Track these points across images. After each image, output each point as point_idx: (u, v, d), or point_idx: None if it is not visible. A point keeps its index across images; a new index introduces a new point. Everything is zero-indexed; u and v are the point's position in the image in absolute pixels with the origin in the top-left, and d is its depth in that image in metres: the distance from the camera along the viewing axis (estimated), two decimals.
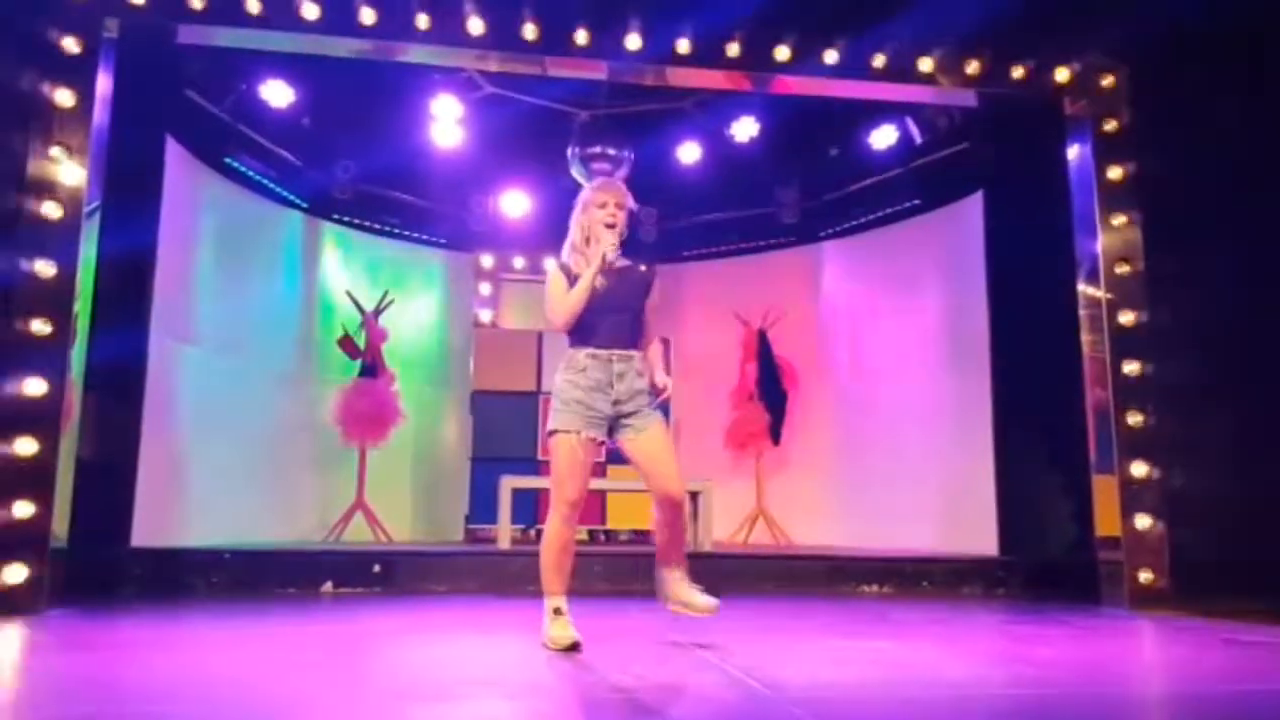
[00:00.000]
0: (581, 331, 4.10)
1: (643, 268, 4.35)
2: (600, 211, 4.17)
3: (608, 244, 4.10)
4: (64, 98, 5.32)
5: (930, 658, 4.03)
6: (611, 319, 4.09)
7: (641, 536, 9.35)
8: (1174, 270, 6.12)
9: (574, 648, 3.87)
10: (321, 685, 3.27)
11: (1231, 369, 5.88)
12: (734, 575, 6.53)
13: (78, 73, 5.39)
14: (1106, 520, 6.12)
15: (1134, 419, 6.07)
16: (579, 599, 5.38)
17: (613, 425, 4.05)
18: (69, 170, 5.28)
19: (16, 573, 4.89)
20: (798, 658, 3.91)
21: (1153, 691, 3.54)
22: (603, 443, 4.06)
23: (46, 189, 5.23)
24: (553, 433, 4.03)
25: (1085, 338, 6.39)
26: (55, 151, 5.25)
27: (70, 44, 5.39)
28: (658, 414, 4.10)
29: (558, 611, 4.01)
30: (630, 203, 4.25)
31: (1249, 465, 5.74)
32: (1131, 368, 6.12)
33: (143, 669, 3.55)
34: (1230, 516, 5.72)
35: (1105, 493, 6.15)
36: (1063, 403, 6.55)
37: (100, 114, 5.46)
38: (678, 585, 4.10)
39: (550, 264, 4.34)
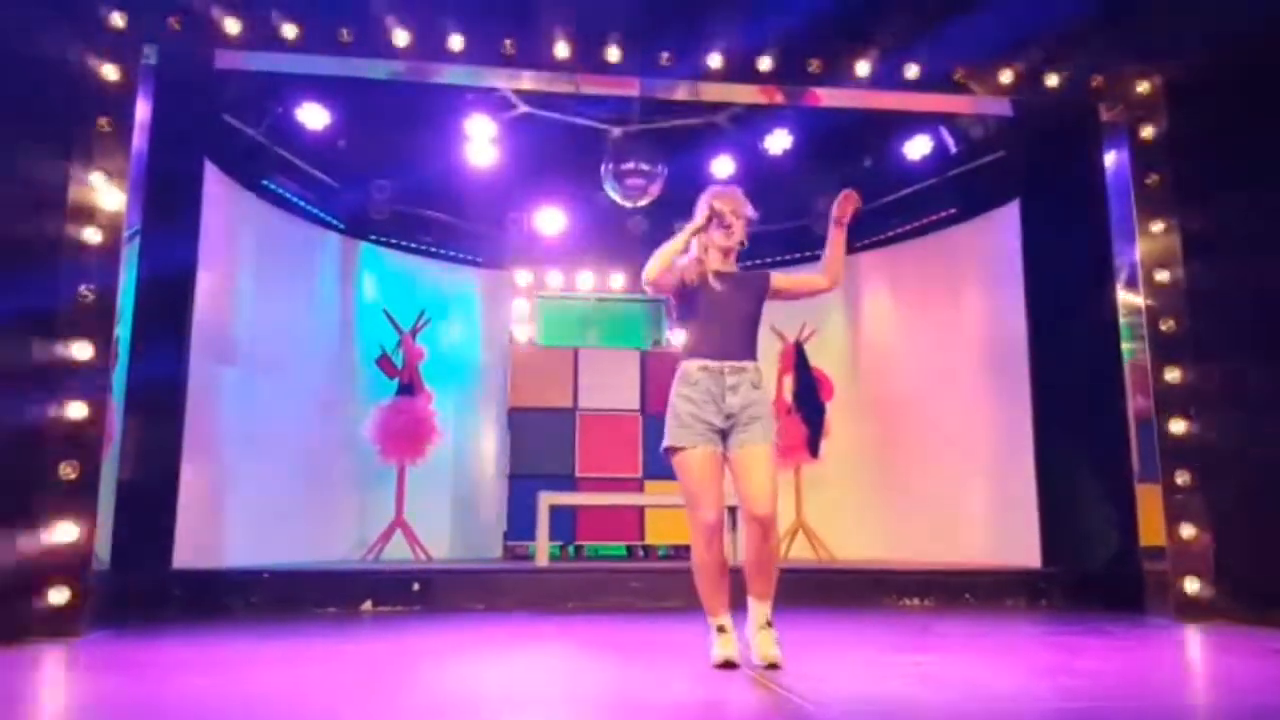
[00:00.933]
0: (693, 341, 4.06)
1: (760, 273, 4.24)
2: (724, 219, 4.06)
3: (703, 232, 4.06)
4: (104, 124, 5.40)
5: (974, 671, 3.98)
6: (724, 329, 4.02)
7: (680, 552, 9.30)
8: (1214, 276, 6.04)
9: (729, 665, 3.78)
10: (363, 705, 3.27)
11: (1275, 375, 5.78)
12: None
13: (117, 99, 5.48)
14: (1150, 530, 6.03)
15: (1177, 426, 5.98)
16: (616, 615, 5.35)
17: (725, 436, 3.92)
18: (109, 195, 5.35)
19: (59, 595, 4.94)
20: (841, 672, 3.87)
21: (1202, 703, 3.47)
22: (720, 453, 3.91)
23: (87, 214, 5.31)
24: (669, 450, 3.94)
25: (1126, 345, 6.30)
26: (95, 177, 5.33)
27: (110, 71, 5.48)
28: (768, 436, 3.92)
29: (720, 630, 3.91)
30: (749, 211, 4.13)
31: None
32: (1173, 375, 6.03)
33: (185, 691, 3.57)
34: (1275, 523, 5.61)
35: (1149, 502, 6.06)
36: (1104, 411, 6.46)
37: (139, 139, 5.54)
38: (756, 629, 3.86)
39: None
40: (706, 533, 3.87)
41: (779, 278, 4.24)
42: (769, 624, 3.85)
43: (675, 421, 3.93)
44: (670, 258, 4.00)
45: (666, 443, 3.95)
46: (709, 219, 4.06)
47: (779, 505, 3.93)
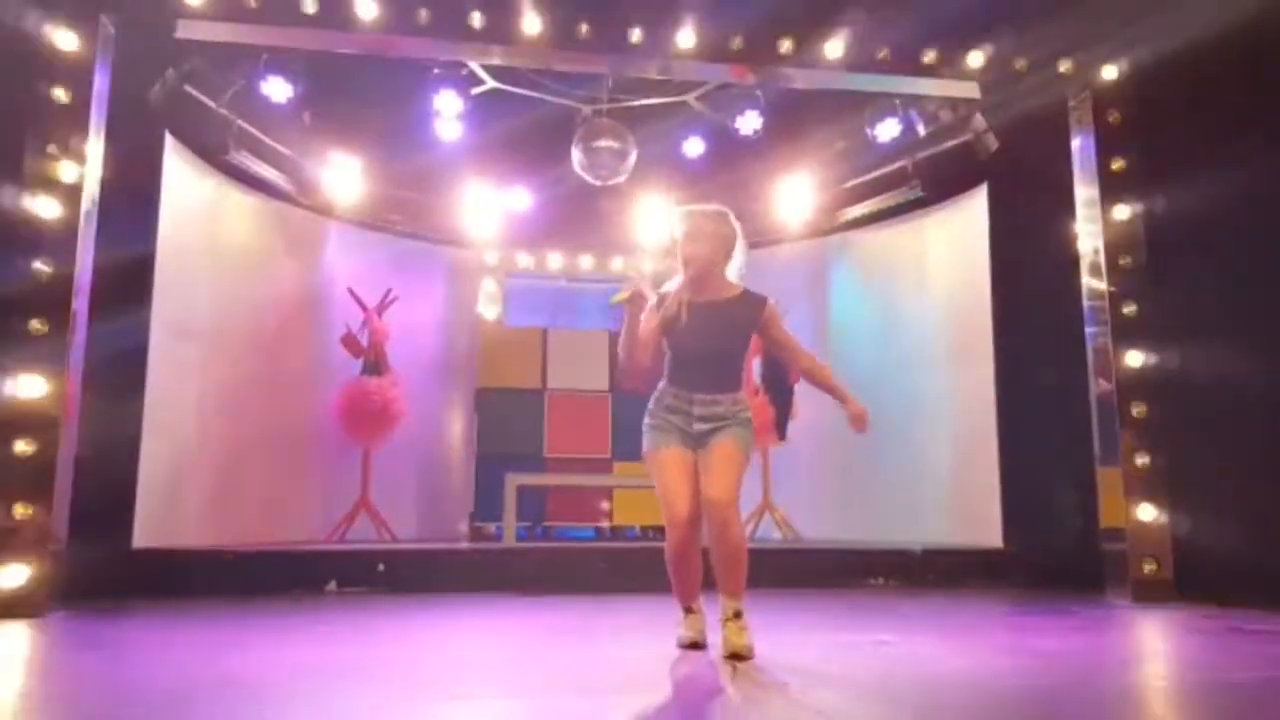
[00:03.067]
0: (670, 371, 3.93)
1: (750, 300, 3.95)
2: (682, 242, 3.89)
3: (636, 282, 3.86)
4: (61, 95, 5.30)
5: (936, 650, 4.01)
6: (693, 365, 3.87)
7: (648, 533, 9.31)
8: (1176, 261, 6.09)
9: (694, 646, 3.82)
10: (324, 684, 3.25)
11: (1234, 359, 5.83)
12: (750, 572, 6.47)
13: (75, 70, 5.38)
14: (1111, 512, 6.10)
15: (1137, 410, 6.05)
16: (583, 596, 5.37)
17: (696, 444, 3.83)
18: (67, 168, 5.26)
19: (17, 574, 4.88)
20: (803, 651, 3.89)
21: (1159, 681, 3.51)
22: (693, 453, 3.82)
23: (45, 187, 5.21)
24: (646, 454, 3.91)
25: (1089, 329, 6.35)
26: (53, 149, 5.24)
27: (67, 41, 5.37)
28: (737, 437, 3.80)
29: (688, 611, 3.96)
30: (728, 225, 3.95)
31: (1253, 456, 5.68)
32: (1134, 358, 6.09)
33: (147, 670, 3.54)
34: (1233, 506, 5.68)
35: (1110, 484, 6.12)
36: (1067, 394, 6.52)
37: (97, 111, 5.44)
38: (722, 622, 3.76)
39: None
40: (678, 528, 3.78)
41: (773, 319, 3.97)
42: (736, 615, 3.74)
43: (649, 428, 3.91)
44: (630, 344, 3.86)
45: (644, 450, 3.92)
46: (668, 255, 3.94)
47: (740, 491, 3.80)
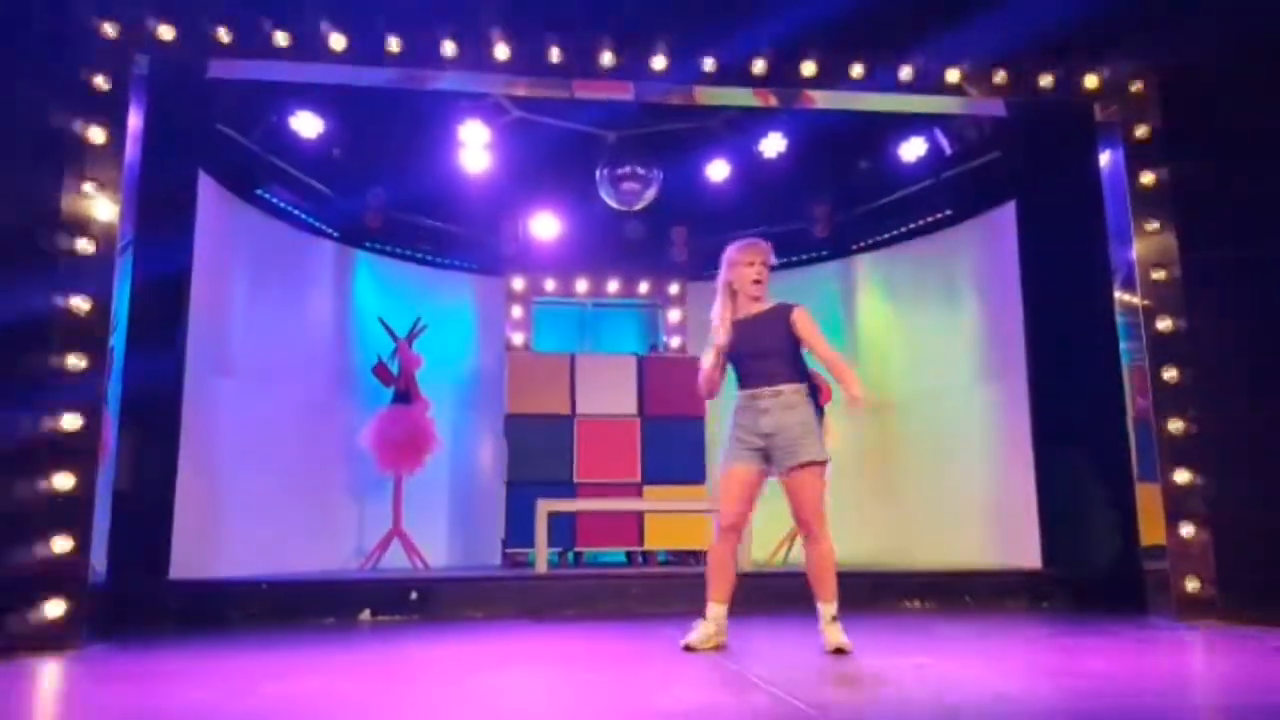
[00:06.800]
0: (737, 379, 4.67)
1: (783, 306, 4.69)
2: (749, 270, 4.63)
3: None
4: (96, 134, 5.38)
5: (976, 672, 3.96)
6: (754, 363, 4.59)
7: (679, 558, 9.28)
8: (1210, 275, 6.03)
9: (689, 649, 4.44)
10: (362, 716, 3.24)
11: (1272, 372, 5.77)
12: (774, 594, 6.44)
13: (109, 109, 5.46)
14: (1151, 529, 6.02)
15: (1175, 426, 5.97)
16: (616, 621, 5.38)
17: (768, 456, 4.52)
18: (102, 206, 5.33)
19: (55, 608, 4.91)
20: (841, 676, 3.85)
21: (1204, 702, 3.45)
22: (763, 472, 4.55)
23: (80, 225, 5.28)
24: (720, 462, 4.65)
25: (1124, 345, 6.29)
26: (88, 188, 5.31)
27: (101, 81, 5.46)
28: (812, 455, 4.48)
29: (705, 616, 4.58)
30: (772, 258, 4.73)
31: None
32: (1171, 374, 6.02)
33: (184, 703, 3.55)
34: (1275, 522, 5.60)
35: (1149, 502, 6.04)
36: (1103, 411, 6.45)
37: (132, 149, 5.52)
38: (825, 625, 4.45)
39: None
40: (721, 531, 4.60)
41: (800, 317, 4.62)
42: (834, 619, 4.44)
43: (726, 441, 4.64)
44: (709, 375, 4.68)
45: (721, 461, 4.65)
46: (730, 289, 4.68)
47: (825, 508, 4.60)
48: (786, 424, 4.46)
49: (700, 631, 4.53)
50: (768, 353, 4.57)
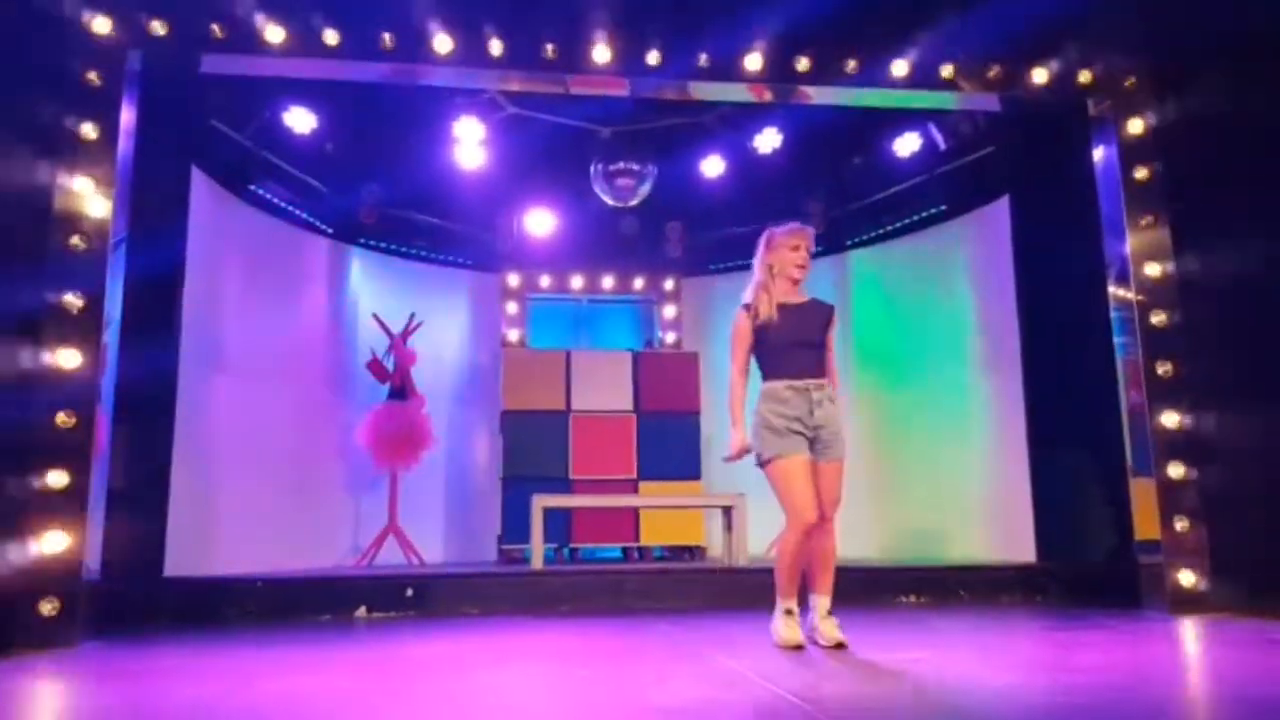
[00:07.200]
0: (774, 366, 4.50)
1: (823, 303, 4.66)
2: (793, 254, 4.54)
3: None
4: (88, 130, 5.36)
5: (971, 667, 3.97)
6: (799, 352, 4.47)
7: (675, 553, 9.29)
8: (1204, 269, 6.04)
9: (800, 648, 4.26)
10: (359, 713, 3.24)
11: (1266, 366, 5.78)
12: (769, 589, 6.44)
13: (102, 105, 5.43)
14: (1145, 523, 6.03)
15: (1169, 420, 5.98)
16: (612, 617, 5.37)
17: (811, 444, 4.40)
18: (95, 202, 5.31)
19: (49, 606, 4.89)
20: (836, 671, 3.86)
21: (1200, 694, 3.46)
22: (810, 458, 4.40)
23: (73, 221, 5.26)
24: (770, 461, 4.39)
25: (1117, 339, 6.30)
26: (80, 184, 5.29)
27: (93, 77, 5.44)
28: (845, 451, 4.49)
29: (789, 613, 4.42)
30: (813, 245, 4.64)
31: None
32: (1165, 368, 6.03)
33: (180, 700, 3.54)
34: (1270, 516, 5.61)
35: (1143, 496, 6.05)
36: (1097, 406, 6.46)
37: (125, 145, 5.50)
38: (821, 618, 4.39)
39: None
40: (805, 528, 4.33)
41: (835, 322, 4.65)
42: (830, 613, 4.39)
43: (771, 434, 4.39)
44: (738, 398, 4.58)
45: (770, 454, 4.38)
46: (770, 270, 4.55)
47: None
48: (833, 417, 4.45)
49: (796, 629, 4.39)
50: (814, 344, 4.51)
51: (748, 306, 4.56)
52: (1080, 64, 6.40)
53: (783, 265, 4.55)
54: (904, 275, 9.23)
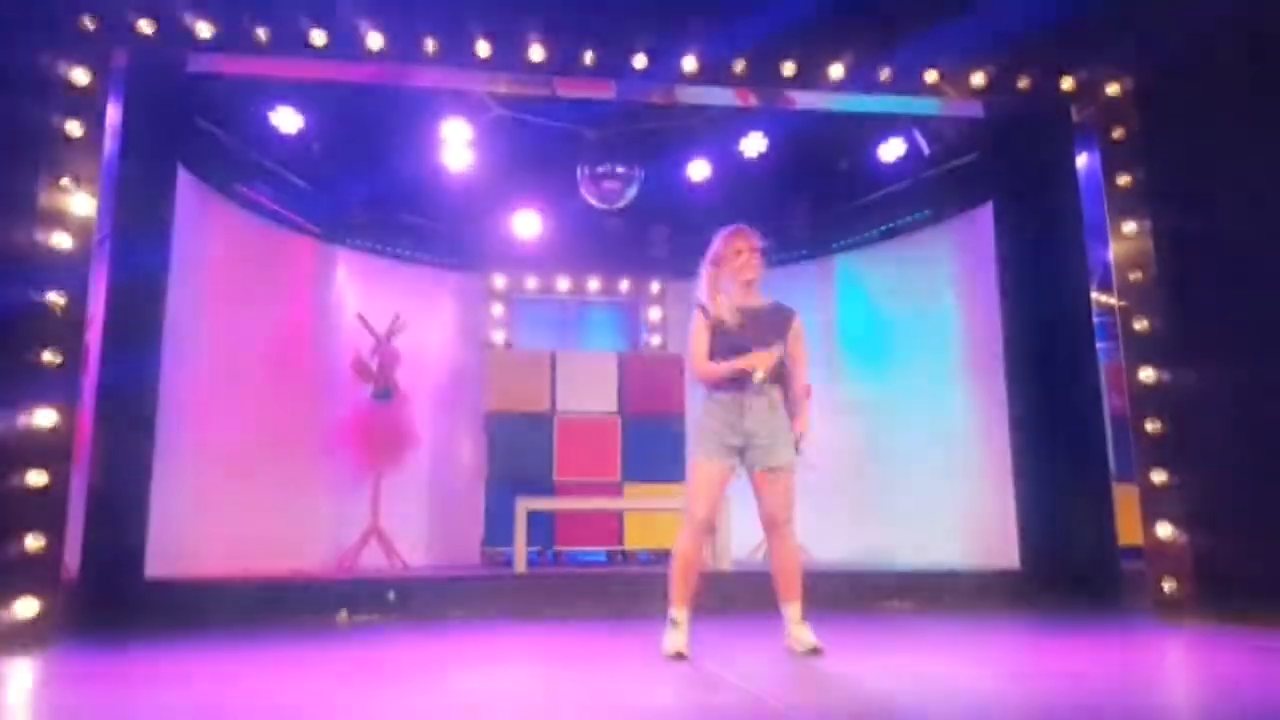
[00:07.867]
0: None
1: (783, 307, 4.57)
2: (736, 258, 4.44)
3: (760, 368, 4.31)
4: (73, 128, 5.34)
5: (953, 672, 3.98)
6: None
7: (659, 557, 9.28)
8: (1187, 275, 6.07)
9: (677, 657, 4.16)
10: (340, 714, 3.23)
11: (1249, 372, 5.81)
12: (752, 593, 6.45)
13: (87, 104, 5.41)
14: (1128, 529, 6.05)
15: (1152, 426, 6.01)
16: (597, 620, 5.37)
17: (743, 453, 4.35)
18: (79, 201, 5.29)
19: (28, 606, 4.86)
20: (818, 676, 3.86)
21: (1182, 700, 3.48)
22: (732, 468, 4.36)
23: (57, 220, 5.24)
24: (690, 460, 4.44)
25: (1101, 345, 6.33)
26: (65, 182, 5.26)
27: (79, 75, 5.42)
28: (790, 457, 4.39)
29: (673, 622, 4.30)
30: (761, 242, 4.51)
31: (1271, 469, 5.66)
32: (1148, 374, 6.06)
33: (158, 703, 3.52)
34: (1253, 522, 5.64)
35: (1127, 502, 6.08)
36: (1080, 411, 6.49)
37: (110, 144, 5.48)
38: (794, 627, 4.35)
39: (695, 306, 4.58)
40: (696, 527, 4.33)
41: (798, 329, 4.54)
42: (803, 620, 4.34)
43: (701, 434, 4.40)
44: (717, 378, 4.40)
45: (691, 450, 4.48)
46: (718, 273, 4.46)
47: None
48: (768, 424, 4.34)
49: (677, 638, 4.26)
50: (759, 349, 4.34)
51: (704, 308, 4.47)
52: (1064, 71, 6.44)
53: (732, 273, 4.45)
54: (888, 279, 9.25)
